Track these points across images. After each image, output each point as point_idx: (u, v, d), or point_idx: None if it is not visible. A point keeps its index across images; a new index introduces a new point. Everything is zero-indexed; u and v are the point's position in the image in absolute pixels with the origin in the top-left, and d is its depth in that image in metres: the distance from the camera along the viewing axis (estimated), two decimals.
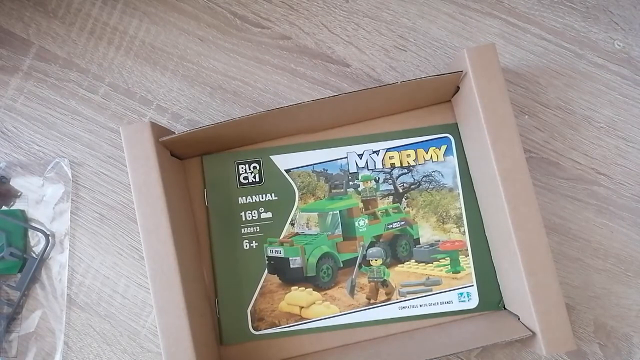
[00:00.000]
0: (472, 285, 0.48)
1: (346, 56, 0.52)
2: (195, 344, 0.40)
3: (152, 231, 0.40)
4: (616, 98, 0.51)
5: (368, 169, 0.49)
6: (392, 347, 0.45)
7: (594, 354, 0.48)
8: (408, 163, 0.49)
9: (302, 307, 0.48)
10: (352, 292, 0.48)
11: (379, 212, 0.49)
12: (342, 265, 0.48)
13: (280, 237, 0.48)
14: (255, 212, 0.49)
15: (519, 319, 0.43)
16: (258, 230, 0.48)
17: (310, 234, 0.48)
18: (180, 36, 0.53)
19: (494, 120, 0.42)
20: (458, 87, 0.47)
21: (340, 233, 0.49)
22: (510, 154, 0.41)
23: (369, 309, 0.47)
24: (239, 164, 0.49)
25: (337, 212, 0.49)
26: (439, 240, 0.48)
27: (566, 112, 0.51)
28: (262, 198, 0.49)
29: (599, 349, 0.48)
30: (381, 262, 0.48)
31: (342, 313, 0.47)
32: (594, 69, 0.51)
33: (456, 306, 0.47)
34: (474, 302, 0.47)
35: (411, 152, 0.49)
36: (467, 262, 0.48)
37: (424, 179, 0.49)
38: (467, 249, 0.48)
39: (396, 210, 0.49)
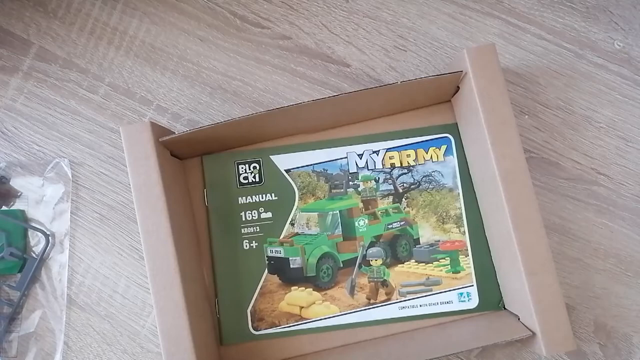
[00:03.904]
0: (472, 285, 0.48)
1: (346, 56, 0.52)
2: (195, 344, 0.40)
3: (152, 231, 0.41)
4: (616, 98, 0.51)
5: (368, 169, 0.49)
6: (392, 347, 0.45)
7: (594, 354, 0.48)
8: (408, 163, 0.49)
9: (302, 307, 0.48)
10: (352, 292, 0.48)
11: (379, 212, 0.49)
12: (342, 265, 0.48)
13: (280, 237, 0.48)
14: (255, 212, 0.49)
15: (519, 319, 0.43)
16: (258, 230, 0.48)
17: (310, 234, 0.48)
18: (180, 36, 0.53)
19: (494, 120, 0.42)
20: (458, 87, 0.47)
21: (340, 233, 0.49)
22: (510, 154, 0.41)
23: (369, 309, 0.47)
24: (239, 164, 0.49)
25: (337, 212, 0.49)
26: (439, 240, 0.48)
27: (566, 112, 0.51)
28: (262, 198, 0.49)
29: (599, 349, 0.48)
30: (381, 262, 0.48)
31: (342, 313, 0.47)
32: (594, 69, 0.51)
33: (456, 306, 0.47)
34: (474, 302, 0.47)
35: (411, 152, 0.49)
36: (467, 262, 0.48)
37: (424, 179, 0.49)
38: (467, 249, 0.48)
39: (396, 210, 0.49)
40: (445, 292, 0.48)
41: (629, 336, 0.48)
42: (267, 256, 0.48)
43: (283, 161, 0.49)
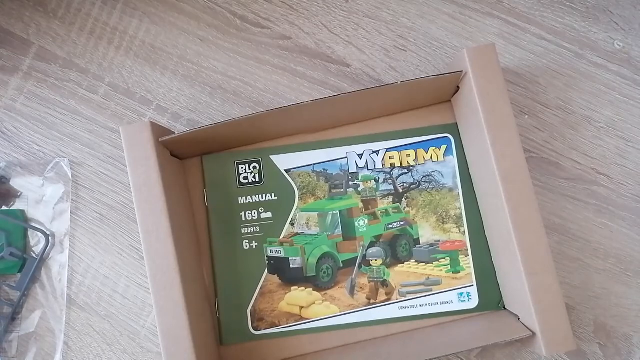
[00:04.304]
0: (472, 285, 0.48)
1: (346, 56, 0.52)
2: (195, 344, 0.40)
3: (152, 231, 0.40)
4: (616, 98, 0.51)
5: (368, 169, 0.49)
6: (392, 347, 0.45)
7: (594, 354, 0.48)
8: (408, 163, 0.49)
9: (302, 307, 0.48)
10: (352, 292, 0.48)
11: (379, 212, 0.49)
12: (342, 265, 0.48)
13: (280, 237, 0.48)
14: (255, 212, 0.49)
15: (519, 319, 0.43)
16: (258, 230, 0.48)
17: (310, 234, 0.48)
18: (180, 36, 0.53)
19: (493, 120, 0.42)
20: (458, 87, 0.47)
21: (340, 233, 0.49)
22: (510, 154, 0.41)
23: (369, 309, 0.47)
24: (238, 163, 0.49)
25: (337, 212, 0.49)
26: (439, 240, 0.48)
27: (566, 112, 0.51)
28: (262, 198, 0.49)
29: (598, 349, 0.48)
30: (381, 262, 0.48)
31: (342, 313, 0.47)
32: (594, 69, 0.51)
33: (456, 306, 0.47)
34: (474, 302, 0.47)
35: (411, 152, 0.49)
36: (467, 262, 0.48)
37: (424, 179, 0.49)
38: (467, 249, 0.48)
39: (396, 210, 0.49)
40: (445, 292, 0.48)
41: (629, 336, 0.48)
42: (267, 256, 0.48)
43: (283, 161, 0.49)
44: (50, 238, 0.50)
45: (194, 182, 0.50)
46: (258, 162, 0.49)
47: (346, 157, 0.49)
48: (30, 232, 0.51)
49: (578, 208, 0.50)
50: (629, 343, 0.48)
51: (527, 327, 0.41)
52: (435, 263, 0.48)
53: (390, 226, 0.49)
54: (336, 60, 0.52)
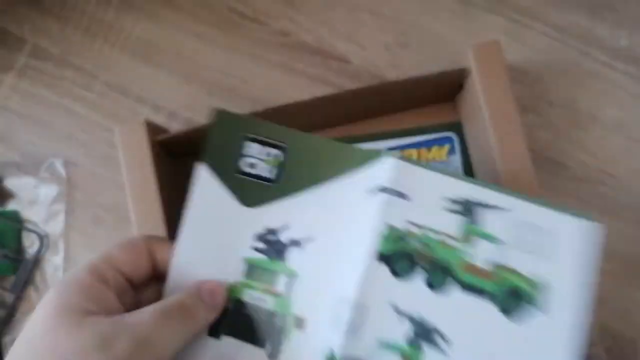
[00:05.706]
0: None
1: (347, 53, 0.52)
2: None
3: (147, 232, 0.40)
4: (622, 96, 0.50)
5: None
6: None
7: (599, 357, 0.47)
8: None
9: None
10: None
11: None
12: None
13: None
14: None
15: None
16: None
17: None
18: (177, 33, 0.52)
19: (498, 118, 0.41)
20: (462, 85, 0.46)
21: None
22: (514, 153, 0.40)
23: None
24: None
25: None
26: None
27: (572, 110, 0.50)
28: None
29: (604, 352, 0.47)
30: None
31: None
32: (600, 66, 0.50)
33: None
34: None
35: (414, 151, 0.48)
36: None
37: None
38: None
39: None
40: None
41: (634, 340, 0.47)
42: None
43: None
44: (44, 239, 0.49)
45: (191, 182, 0.49)
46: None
47: None
48: (24, 234, 0.50)
49: (583, 208, 0.49)
50: (634, 347, 0.47)
51: None
52: None
53: None
54: (337, 57, 0.51)
